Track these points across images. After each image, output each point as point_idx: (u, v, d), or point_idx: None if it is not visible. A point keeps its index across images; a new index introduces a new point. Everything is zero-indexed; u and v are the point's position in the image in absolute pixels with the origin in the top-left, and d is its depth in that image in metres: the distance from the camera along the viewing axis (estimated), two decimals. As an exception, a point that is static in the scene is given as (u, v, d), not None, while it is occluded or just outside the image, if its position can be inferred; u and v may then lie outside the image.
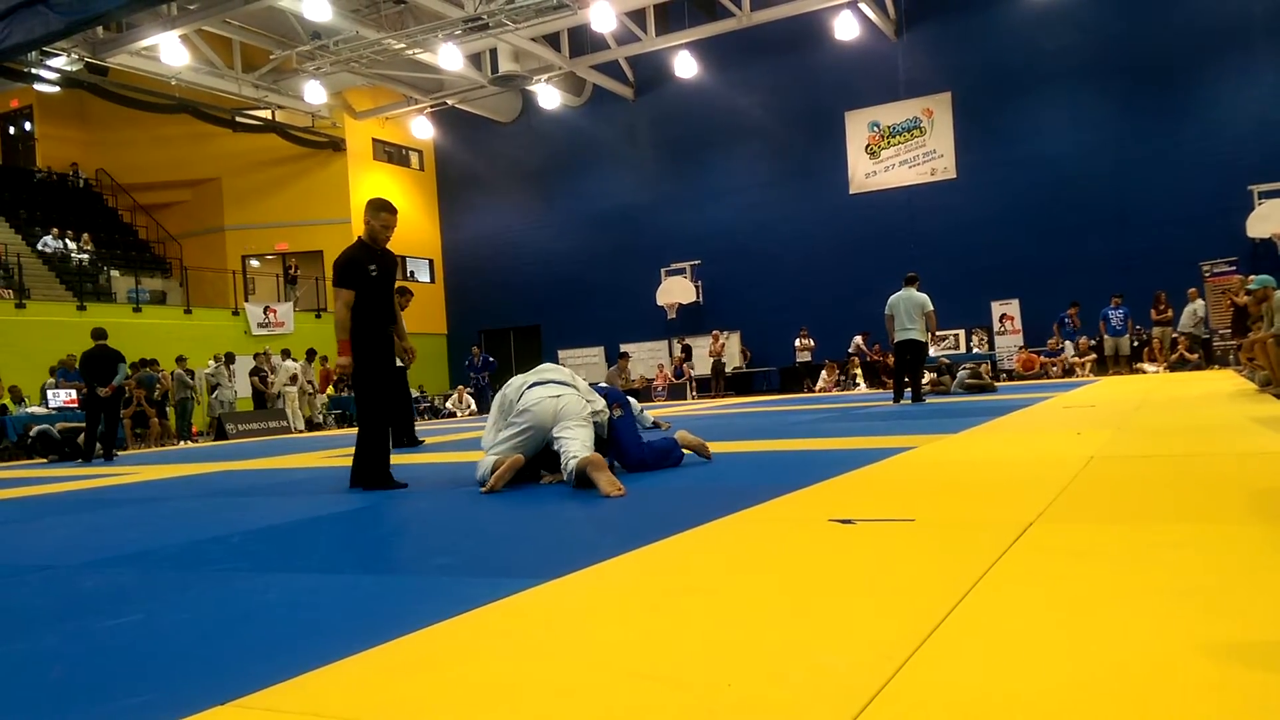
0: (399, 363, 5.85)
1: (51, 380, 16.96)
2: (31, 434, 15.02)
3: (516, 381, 5.20)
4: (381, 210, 5.44)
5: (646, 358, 24.36)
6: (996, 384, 15.58)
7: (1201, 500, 3.12)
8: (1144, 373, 17.53)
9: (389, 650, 1.88)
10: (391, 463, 5.52)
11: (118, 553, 3.73)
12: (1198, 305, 17.71)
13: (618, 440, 5.21)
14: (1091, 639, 1.65)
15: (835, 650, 1.69)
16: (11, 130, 26.97)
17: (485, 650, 1.87)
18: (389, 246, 5.56)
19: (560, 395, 4.96)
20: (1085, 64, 20.26)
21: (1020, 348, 20.09)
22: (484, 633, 2.01)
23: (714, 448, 5.73)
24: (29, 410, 16.38)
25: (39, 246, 21.39)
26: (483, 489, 4.77)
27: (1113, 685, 1.42)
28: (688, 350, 23.40)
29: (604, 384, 5.67)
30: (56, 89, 22.27)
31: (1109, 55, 20.03)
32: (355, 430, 5.64)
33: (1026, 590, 2.05)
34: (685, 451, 5.54)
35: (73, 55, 19.45)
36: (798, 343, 22.13)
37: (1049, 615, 1.84)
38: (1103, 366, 18.53)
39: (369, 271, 5.32)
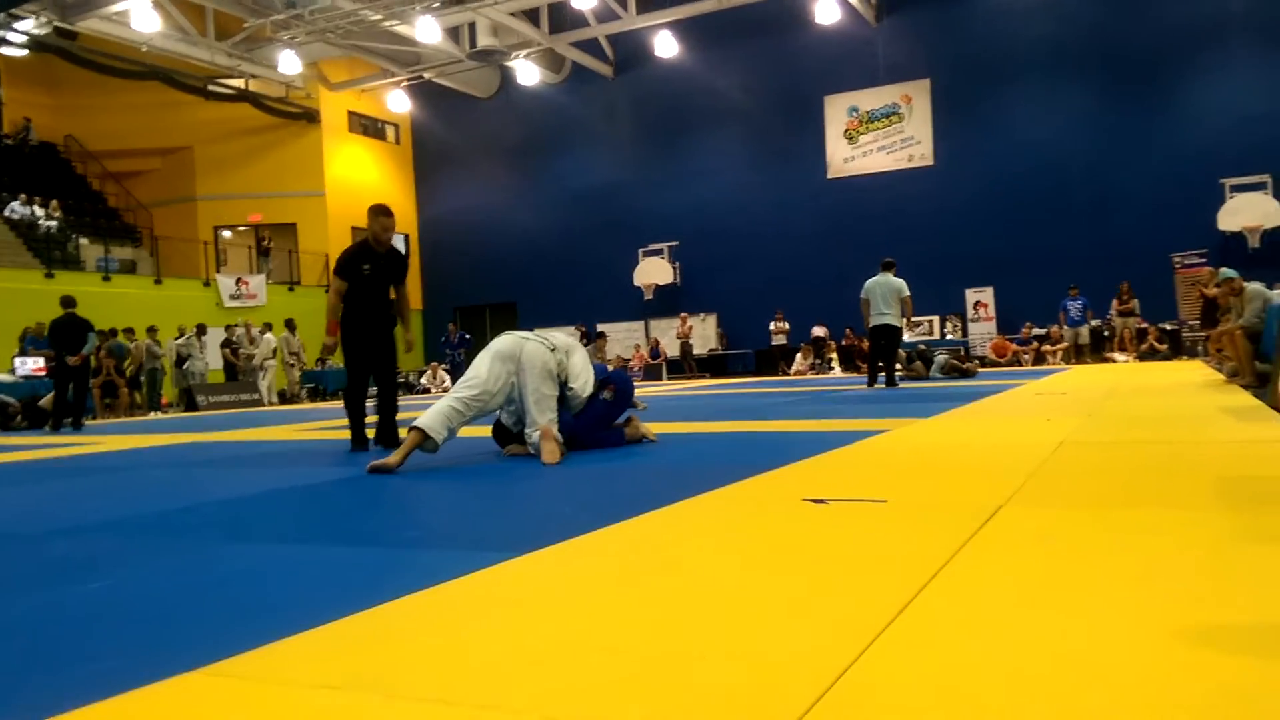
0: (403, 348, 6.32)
1: (20, 348, 16.71)
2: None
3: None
4: (380, 215, 6.07)
5: (623, 338, 24.33)
6: (977, 369, 15.70)
7: (1169, 486, 3.16)
8: (1114, 362, 17.77)
9: (360, 620, 1.87)
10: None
11: (87, 521, 3.70)
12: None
13: (584, 415, 5.19)
14: (1058, 620, 1.68)
15: (805, 627, 1.70)
16: (-23, 94, 26.39)
17: (455, 621, 1.87)
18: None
19: (527, 338, 5.01)
20: (1064, 54, 20.35)
21: (995, 335, 20.26)
22: (455, 604, 2.01)
23: (689, 428, 5.75)
24: (-6, 378, 16.13)
25: (6, 213, 20.96)
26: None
27: (1080, 666, 1.44)
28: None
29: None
30: (24, 53, 21.77)
31: (1087, 46, 20.13)
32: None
33: (996, 571, 2.07)
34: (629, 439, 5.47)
35: (41, 19, 18.99)
36: (773, 325, 22.19)
37: (1018, 596, 1.86)
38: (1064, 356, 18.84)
39: (362, 269, 5.92)
